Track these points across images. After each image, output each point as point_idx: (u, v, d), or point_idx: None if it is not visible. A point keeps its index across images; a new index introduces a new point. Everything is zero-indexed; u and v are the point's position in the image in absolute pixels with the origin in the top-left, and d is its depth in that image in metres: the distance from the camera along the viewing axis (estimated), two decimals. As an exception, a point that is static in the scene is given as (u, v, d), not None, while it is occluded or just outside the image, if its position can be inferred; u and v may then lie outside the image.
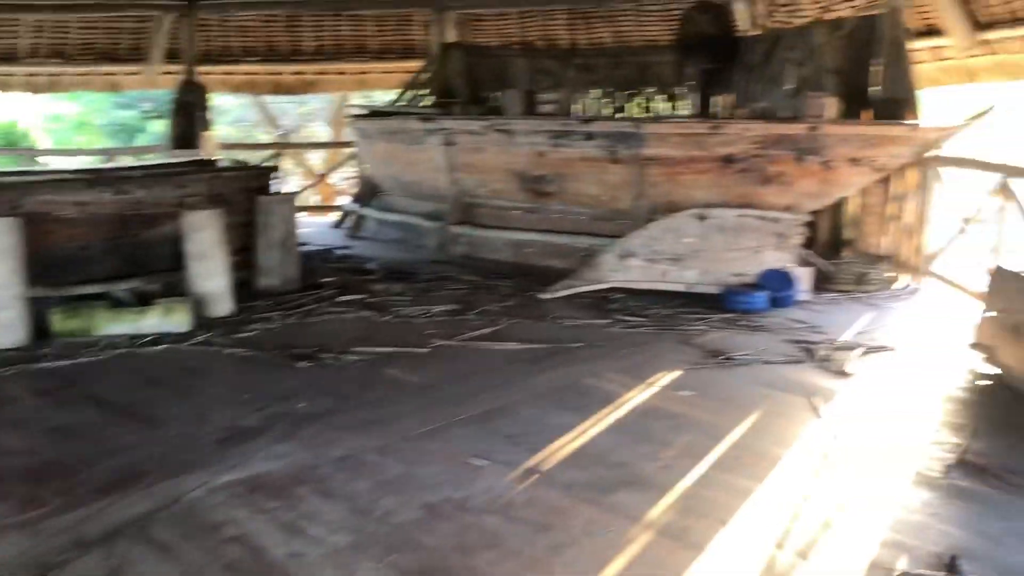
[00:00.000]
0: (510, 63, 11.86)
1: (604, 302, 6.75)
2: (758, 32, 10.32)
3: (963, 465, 3.80)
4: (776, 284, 6.67)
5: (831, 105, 7.12)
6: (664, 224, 6.96)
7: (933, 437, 4.15)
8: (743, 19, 11.05)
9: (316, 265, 8.23)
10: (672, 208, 7.76)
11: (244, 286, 6.75)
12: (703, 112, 11.37)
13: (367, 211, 10.42)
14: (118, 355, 5.38)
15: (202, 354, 5.44)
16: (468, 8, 12.30)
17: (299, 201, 8.97)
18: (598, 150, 7.79)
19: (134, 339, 5.62)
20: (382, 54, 12.97)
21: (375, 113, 10.41)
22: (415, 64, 12.52)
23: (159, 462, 3.78)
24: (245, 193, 6.93)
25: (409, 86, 12.19)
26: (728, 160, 7.42)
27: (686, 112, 11.45)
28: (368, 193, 10.59)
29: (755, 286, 6.71)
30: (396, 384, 4.89)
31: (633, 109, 11.63)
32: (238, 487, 3.52)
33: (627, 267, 6.93)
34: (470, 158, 8.61)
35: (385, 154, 9.87)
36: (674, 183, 7.67)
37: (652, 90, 11.61)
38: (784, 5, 10.35)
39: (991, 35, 8.08)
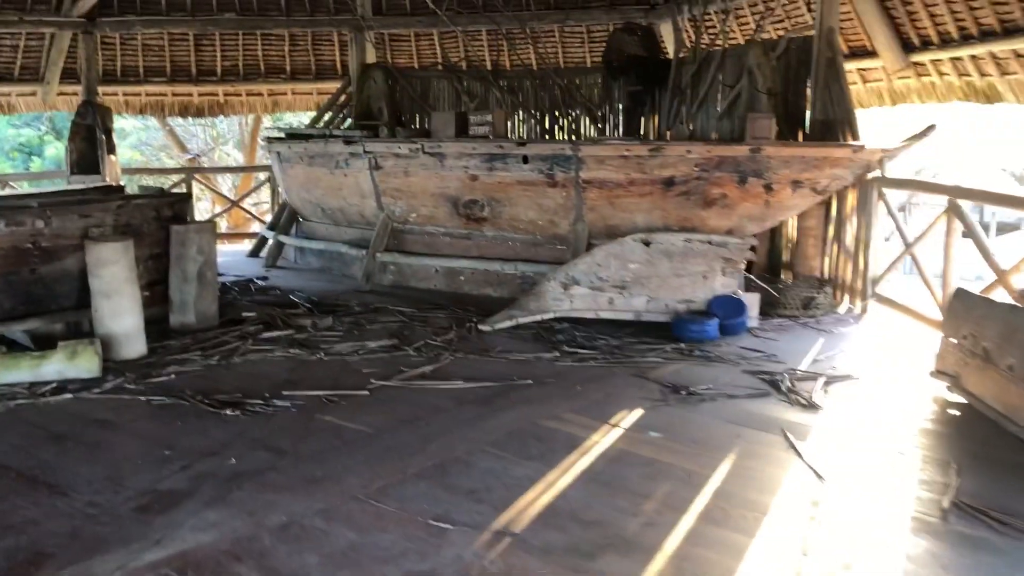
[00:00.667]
0: (433, 84, 11.52)
1: (549, 333, 6.40)
2: (685, 54, 10.19)
3: (959, 508, 3.55)
4: (726, 310, 6.44)
5: (770, 126, 6.97)
6: (608, 250, 6.66)
7: (918, 476, 3.91)
8: (669, 41, 10.95)
9: (235, 299, 7.65)
10: (612, 232, 7.50)
11: (158, 324, 6.16)
12: (631, 134, 11.28)
13: (286, 239, 9.85)
14: (15, 407, 4.74)
15: (113, 404, 4.84)
16: (387, 28, 11.91)
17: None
18: (535, 173, 7.47)
19: (34, 388, 4.99)
20: (297, 74, 12.44)
21: (293, 136, 9.89)
22: (332, 85, 12.06)
23: (66, 540, 3.22)
24: (157, 222, 6.34)
25: (327, 108, 11.73)
26: (669, 183, 7.20)
27: (617, 134, 11.33)
28: (286, 220, 10.03)
29: (705, 313, 6.46)
30: (336, 433, 4.41)
31: (560, 130, 11.42)
32: (164, 568, 3.00)
33: (571, 296, 6.60)
34: (398, 182, 8.18)
35: (305, 179, 9.35)
36: (614, 206, 7.40)
37: (578, 112, 11.43)
38: (712, 27, 10.27)
39: (921, 57, 8.10)
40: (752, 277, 7.18)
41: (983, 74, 7.47)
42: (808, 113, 8.25)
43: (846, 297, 7.50)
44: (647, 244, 6.67)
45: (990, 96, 7.56)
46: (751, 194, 7.25)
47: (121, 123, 15.16)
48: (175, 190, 10.02)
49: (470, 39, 11.90)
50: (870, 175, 7.21)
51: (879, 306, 7.12)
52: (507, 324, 6.51)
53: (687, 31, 10.42)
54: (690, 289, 6.61)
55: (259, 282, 8.58)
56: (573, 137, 11.32)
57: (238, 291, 8.10)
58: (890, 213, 7.07)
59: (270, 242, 10.18)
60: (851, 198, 7.45)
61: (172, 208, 6.54)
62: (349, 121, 11.49)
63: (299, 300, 7.52)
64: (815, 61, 8.00)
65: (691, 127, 10.01)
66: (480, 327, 6.54)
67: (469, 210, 7.89)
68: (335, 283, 8.66)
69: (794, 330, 6.66)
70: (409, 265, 8.30)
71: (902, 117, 9.50)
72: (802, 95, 8.43)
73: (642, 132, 11.14)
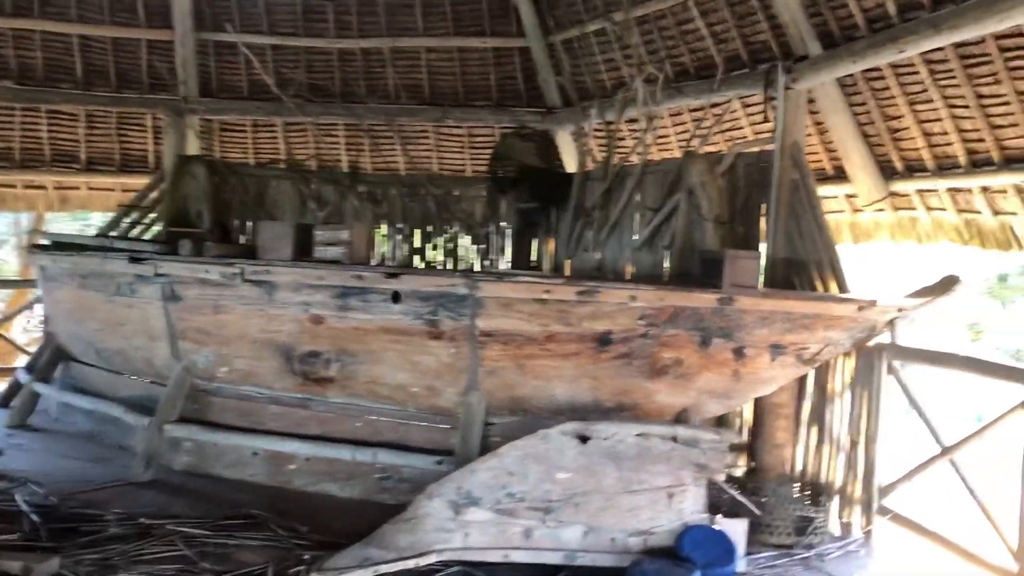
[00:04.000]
0: (272, 186, 9.04)
1: (430, 593, 3.90)
2: (593, 167, 8.25)
3: None
4: (705, 551, 4.15)
5: (756, 271, 4.87)
6: (525, 448, 4.29)
7: None
8: (569, 152, 9.01)
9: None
10: (519, 407, 5.17)
11: None
12: (520, 261, 9.14)
13: (43, 388, 6.93)
14: None
15: None
16: (217, 114, 9.43)
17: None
18: (410, 318, 5.08)
19: None
20: (96, 165, 9.67)
21: (62, 245, 7.14)
22: (142, 180, 9.37)
23: None
24: None
25: (130, 208, 9.01)
26: (603, 340, 4.99)
27: (501, 260, 9.15)
28: (48, 360, 7.12)
29: (673, 554, 4.14)
30: None
31: (434, 250, 9.17)
32: None
33: (466, 524, 4.14)
34: (204, 321, 5.59)
35: (75, 306, 6.59)
36: (524, 371, 5.09)
37: (456, 229, 9.22)
38: (628, 136, 8.38)
39: (905, 185, 6.35)
40: (732, 487, 4.94)
41: (997, 212, 5.73)
42: (765, 250, 6.33)
43: (833, 505, 5.38)
44: (583, 440, 4.34)
45: (1000, 241, 5.82)
46: (715, 361, 5.12)
47: None
48: None
49: (323, 134, 9.57)
50: (873, 340, 5.23)
51: (890, 525, 5.02)
52: (361, 573, 3.95)
53: (591, 141, 8.49)
54: (648, 514, 4.29)
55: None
56: (451, 260, 9.06)
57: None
58: (909, 397, 5.05)
59: (26, 390, 7.21)
60: (843, 368, 5.44)
61: None
62: (157, 228, 8.82)
63: (25, 503, 4.69)
64: (776, 183, 6.12)
65: (599, 256, 7.97)
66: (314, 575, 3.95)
67: (308, 366, 5.37)
68: (103, 463, 5.86)
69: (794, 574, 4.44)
70: (214, 444, 5.62)
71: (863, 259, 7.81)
72: (755, 226, 6.52)
73: (533, 260, 9.03)
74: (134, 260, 5.84)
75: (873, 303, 4.92)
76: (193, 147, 9.13)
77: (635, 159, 7.68)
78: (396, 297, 5.10)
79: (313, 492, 5.36)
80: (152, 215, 8.98)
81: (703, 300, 4.90)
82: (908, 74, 5.84)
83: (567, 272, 8.49)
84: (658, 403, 5.22)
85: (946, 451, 4.70)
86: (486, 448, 5.03)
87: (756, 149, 6.64)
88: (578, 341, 5.02)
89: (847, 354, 5.37)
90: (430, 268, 9.01)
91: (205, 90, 9.26)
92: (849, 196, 6.87)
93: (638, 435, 4.35)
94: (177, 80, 9.03)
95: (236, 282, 5.39)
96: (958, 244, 6.24)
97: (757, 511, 4.78)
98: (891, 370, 5.09)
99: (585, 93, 8.71)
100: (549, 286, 4.92)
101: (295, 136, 9.73)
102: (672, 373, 5.10)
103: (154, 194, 9.00)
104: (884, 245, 6.99)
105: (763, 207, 6.42)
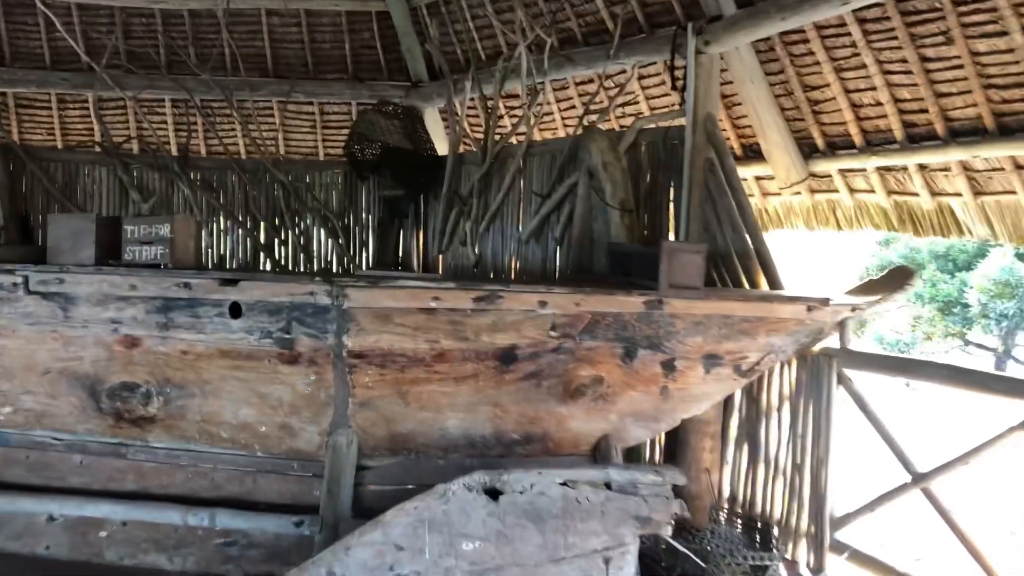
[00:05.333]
0: (83, 173, 7.53)
1: None
2: (468, 149, 7.23)
3: None
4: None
5: (700, 267, 3.95)
6: (419, 512, 3.22)
7: None
8: (438, 131, 7.94)
9: None
10: (401, 446, 4.12)
11: None
12: (384, 258, 8.01)
13: None
14: None
15: None
16: (12, 86, 7.81)
17: None
18: (254, 338, 3.91)
19: None
20: None
21: None
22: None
23: None
24: None
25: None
26: (507, 358, 3.99)
27: (364, 258, 8.00)
28: None
29: (616, 640, 3.18)
30: None
31: (283, 246, 7.91)
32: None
33: (343, 623, 3.03)
34: (-24, 348, 4.21)
35: None
36: (407, 400, 4.03)
37: (309, 222, 7.98)
38: (509, 113, 7.38)
39: (827, 165, 5.65)
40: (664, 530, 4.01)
41: (935, 193, 5.08)
42: (671, 240, 5.50)
43: (775, 540, 4.57)
44: (494, 496, 3.31)
45: (938, 226, 5.18)
46: (641, 377, 4.22)
47: None
48: None
49: (147, 111, 8.10)
50: (817, 345, 4.45)
51: (846, 565, 4.25)
52: None
53: (465, 119, 7.45)
54: (582, 586, 3.31)
55: None
56: (308, 260, 7.83)
57: None
58: (864, 411, 4.28)
59: None
60: (780, 377, 4.64)
61: None
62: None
63: None
64: (688, 163, 5.28)
65: (476, 252, 6.97)
66: None
67: (121, 403, 4.11)
68: None
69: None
70: (-6, 510, 4.25)
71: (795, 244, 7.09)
72: (661, 213, 5.66)
73: (399, 255, 7.93)
74: None
75: (825, 302, 4.12)
76: (-17, 127, 7.50)
77: (517, 139, 6.70)
78: (235, 310, 3.91)
79: (132, 567, 4.10)
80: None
81: (627, 304, 3.96)
82: (836, 35, 5.10)
83: (440, 270, 7.47)
84: (572, 431, 4.27)
85: (919, 479, 3.95)
86: (360, 502, 3.96)
87: (660, 125, 5.77)
88: (475, 360, 4.00)
89: (786, 361, 4.57)
90: (280, 271, 7.74)
91: (-5, 57, 7.64)
92: (760, 178, 6.13)
93: (563, 484, 3.35)
94: (-44, 44, 7.38)
95: (18, 294, 4.04)
96: (884, 230, 5.61)
97: (701, 563, 3.89)
98: (842, 380, 4.31)
99: (456, 64, 7.66)
100: (438, 291, 3.86)
101: (111, 114, 8.20)
102: (590, 394, 4.16)
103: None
104: (794, 233, 6.30)
105: (670, 191, 5.57)
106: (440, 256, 7.42)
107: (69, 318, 4.04)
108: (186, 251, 4.17)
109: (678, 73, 5.62)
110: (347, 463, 4.00)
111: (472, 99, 7.46)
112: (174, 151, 8.08)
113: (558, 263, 6.29)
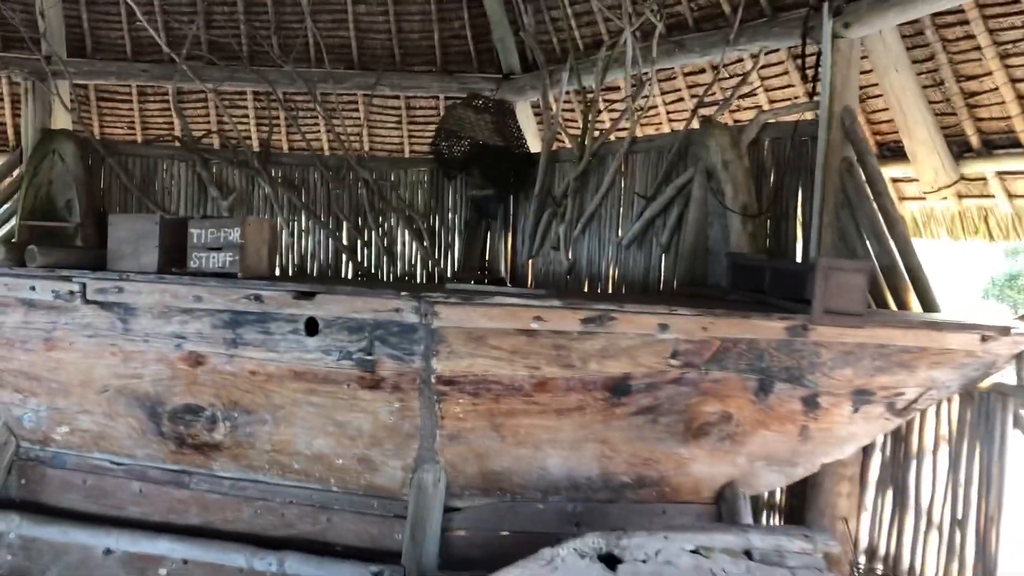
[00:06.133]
0: (162, 169, 7.25)
1: None
2: (563, 145, 6.68)
3: None
4: None
5: (862, 287, 3.29)
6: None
7: None
8: (530, 126, 7.41)
9: None
10: (496, 485, 3.60)
11: None
12: (470, 262, 7.53)
13: None
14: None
15: None
16: (92, 78, 7.55)
17: None
18: (332, 359, 3.43)
19: None
20: (-63, 142, 7.72)
21: None
22: (-4, 162, 7.46)
23: None
24: None
25: (-22, 197, 7.12)
26: (619, 389, 3.41)
27: (448, 263, 7.54)
28: None
29: None
30: None
31: (365, 248, 7.52)
32: None
33: None
34: (31, 361, 3.83)
35: None
36: (502, 434, 3.49)
37: (392, 222, 7.55)
38: (609, 107, 6.80)
39: (980, 166, 4.90)
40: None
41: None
42: (801, 252, 4.85)
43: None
44: (611, 564, 2.74)
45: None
46: (777, 415, 3.59)
47: None
48: None
49: (228, 104, 7.76)
50: (986, 381, 3.74)
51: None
52: None
53: (560, 114, 6.88)
54: None
55: None
56: (391, 263, 7.40)
57: None
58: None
59: None
60: (938, 416, 3.95)
61: None
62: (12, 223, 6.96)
63: None
64: (821, 163, 4.61)
65: (570, 257, 6.42)
66: None
67: (184, 427, 3.68)
68: None
69: None
70: (48, 542, 3.86)
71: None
72: (788, 221, 5.01)
73: (486, 259, 7.43)
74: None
75: (1005, 331, 3.43)
76: (61, 120, 7.24)
77: (618, 135, 6.13)
78: (312, 327, 3.44)
79: (192, 612, 3.68)
80: (7, 204, 7.11)
81: (765, 330, 3.35)
82: (1004, 15, 4.36)
83: (529, 276, 6.96)
84: (693, 475, 3.67)
85: None
86: (448, 549, 3.44)
87: (785, 119, 5.12)
88: (582, 390, 3.44)
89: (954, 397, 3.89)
90: (363, 275, 7.33)
91: (76, 49, 7.37)
92: (896, 180, 5.41)
93: (694, 551, 2.76)
94: (38, 35, 7.11)
95: (75, 304, 3.65)
96: (1050, 242, 4.84)
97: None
98: (1018, 421, 3.61)
99: (551, 55, 7.09)
100: (541, 311, 3.31)
101: (191, 107, 7.89)
102: (715, 433, 3.56)
103: (9, 180, 7.13)
104: (937, 244, 5.55)
105: (799, 195, 4.93)
106: (530, 261, 6.91)
107: (129, 331, 3.63)
108: (258, 258, 3.71)
109: (809, 61, 4.96)
110: (433, 504, 3.49)
111: (568, 92, 6.92)
112: (255, 146, 7.73)
113: (662, 273, 5.71)
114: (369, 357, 3.42)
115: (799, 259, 4.84)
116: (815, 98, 4.84)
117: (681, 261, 5.35)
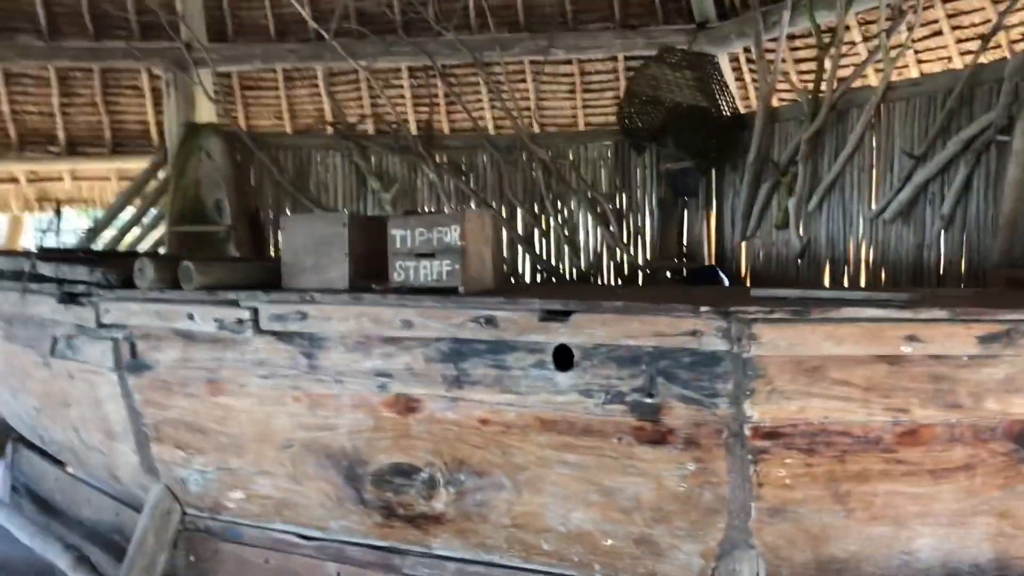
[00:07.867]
0: (316, 160, 6.49)
1: None
2: (783, 101, 5.51)
3: None
4: None
5: None
6: None
7: None
8: (734, 84, 6.25)
9: None
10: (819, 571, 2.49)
11: None
12: (666, 250, 6.46)
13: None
14: None
15: None
16: (236, 64, 6.86)
17: None
18: (595, 401, 2.44)
19: None
20: (81, 145, 7.20)
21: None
22: (141, 162, 6.89)
23: None
24: None
25: (122, 204, 6.56)
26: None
27: (640, 248, 6.51)
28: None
29: None
30: None
31: (544, 238, 6.57)
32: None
33: None
34: (193, 408, 3.00)
35: (4, 365, 4.08)
36: (849, 507, 2.41)
37: (573, 207, 6.57)
38: (846, 52, 5.56)
39: None
40: None
41: None
42: None
43: None
44: None
45: None
46: None
47: None
48: None
49: (383, 83, 6.91)
50: None
51: None
52: None
53: (779, 62, 5.68)
54: None
55: None
56: (573, 253, 6.41)
57: None
58: None
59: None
60: None
61: None
62: (162, 229, 6.37)
63: None
64: None
65: (802, 236, 5.27)
66: None
67: (394, 492, 2.76)
68: None
69: None
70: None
71: None
72: None
73: (684, 245, 6.35)
74: (70, 296, 3.26)
75: None
76: (205, 114, 6.57)
77: (868, 81, 4.92)
78: (564, 359, 2.45)
79: None
80: (154, 207, 6.52)
81: None
82: None
83: (742, 261, 5.86)
84: None
85: None
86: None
87: None
88: (972, 441, 2.33)
89: None
90: (544, 270, 6.37)
91: (217, 33, 6.70)
92: None
93: None
94: (177, 20, 6.45)
95: (245, 335, 2.78)
96: None
97: None
98: None
99: (756, -6, 5.91)
100: (915, 325, 2.21)
101: (343, 90, 7.10)
102: None
103: (155, 180, 6.52)
104: None
105: None
106: (742, 244, 5.80)
107: (316, 368, 2.74)
108: (482, 265, 2.73)
109: None
110: (752, 609, 2.44)
111: (791, 34, 5.75)
112: (413, 129, 6.87)
113: (942, 253, 4.51)
114: (650, 400, 2.40)
115: None
116: None
117: (981, 236, 4.14)
